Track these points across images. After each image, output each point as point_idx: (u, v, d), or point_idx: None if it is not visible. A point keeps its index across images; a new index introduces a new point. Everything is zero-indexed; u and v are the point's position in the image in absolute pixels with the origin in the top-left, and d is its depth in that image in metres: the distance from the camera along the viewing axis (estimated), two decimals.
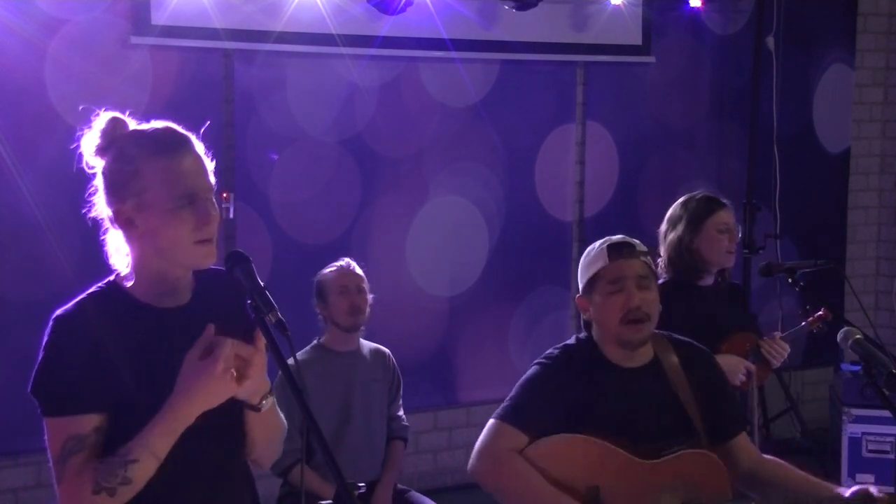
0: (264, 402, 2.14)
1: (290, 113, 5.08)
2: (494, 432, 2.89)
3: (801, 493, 2.86)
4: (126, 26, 4.65)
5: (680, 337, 3.08)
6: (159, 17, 4.66)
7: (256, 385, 2.11)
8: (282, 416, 2.30)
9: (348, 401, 3.99)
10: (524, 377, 2.95)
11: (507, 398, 2.93)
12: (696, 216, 4.05)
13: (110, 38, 4.63)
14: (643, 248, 3.02)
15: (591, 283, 2.96)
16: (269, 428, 2.26)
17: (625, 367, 2.94)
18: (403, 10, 5.03)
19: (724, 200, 4.15)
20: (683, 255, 4.01)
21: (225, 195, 4.91)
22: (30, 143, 4.49)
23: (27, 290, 4.46)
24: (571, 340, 3.03)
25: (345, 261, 4.16)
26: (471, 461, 2.93)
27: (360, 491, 1.95)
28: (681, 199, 4.15)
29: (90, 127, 2.16)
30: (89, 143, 2.16)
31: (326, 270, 4.14)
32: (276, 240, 5.06)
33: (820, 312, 4.39)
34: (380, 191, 5.35)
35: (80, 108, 2.21)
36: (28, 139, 4.49)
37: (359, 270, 4.14)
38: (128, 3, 4.64)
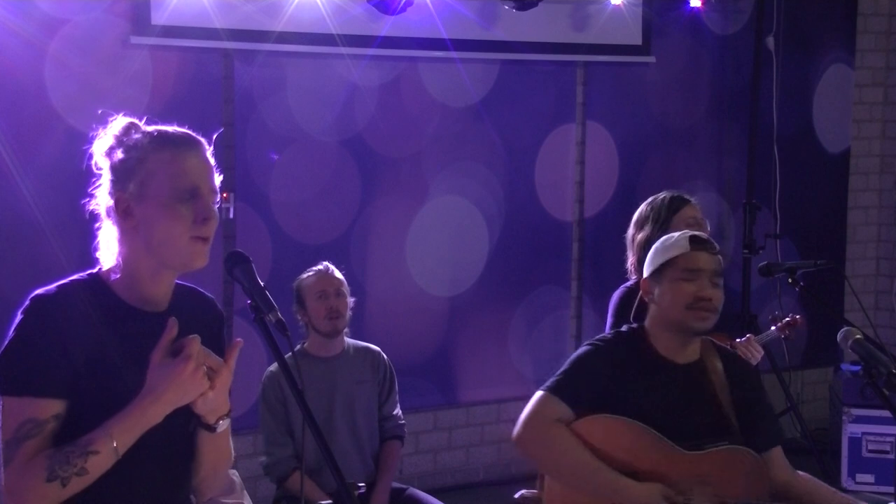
0: (221, 422, 2.13)
1: (290, 113, 5.08)
2: (542, 403, 2.92)
3: None
4: (126, 26, 4.65)
5: (725, 346, 3.14)
6: (159, 17, 4.66)
7: (218, 402, 2.11)
8: (231, 445, 2.28)
9: (330, 406, 3.96)
10: (575, 354, 3.01)
11: (556, 373, 2.97)
12: (663, 215, 4.05)
13: (110, 38, 4.63)
14: (718, 248, 3.08)
15: (664, 267, 2.99)
16: (220, 452, 2.24)
17: (673, 361, 2.99)
18: (403, 10, 5.03)
19: (689, 197, 4.16)
20: None
21: (225, 195, 4.91)
22: (30, 143, 4.49)
23: (27, 290, 4.45)
24: (624, 328, 3.09)
25: (323, 265, 4.11)
26: (516, 430, 2.95)
27: (360, 491, 1.96)
28: (646, 202, 4.16)
29: (105, 129, 2.17)
30: (102, 144, 2.16)
31: (305, 275, 4.09)
32: (276, 240, 5.06)
33: (788, 319, 4.40)
34: (380, 191, 5.35)
35: (99, 111, 2.22)
36: (28, 139, 4.49)
37: (338, 274, 4.09)
38: (128, 3, 4.64)
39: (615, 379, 2.92)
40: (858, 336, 2.77)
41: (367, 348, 4.16)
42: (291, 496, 3.93)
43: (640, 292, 3.09)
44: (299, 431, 3.90)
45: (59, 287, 2.11)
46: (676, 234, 3.07)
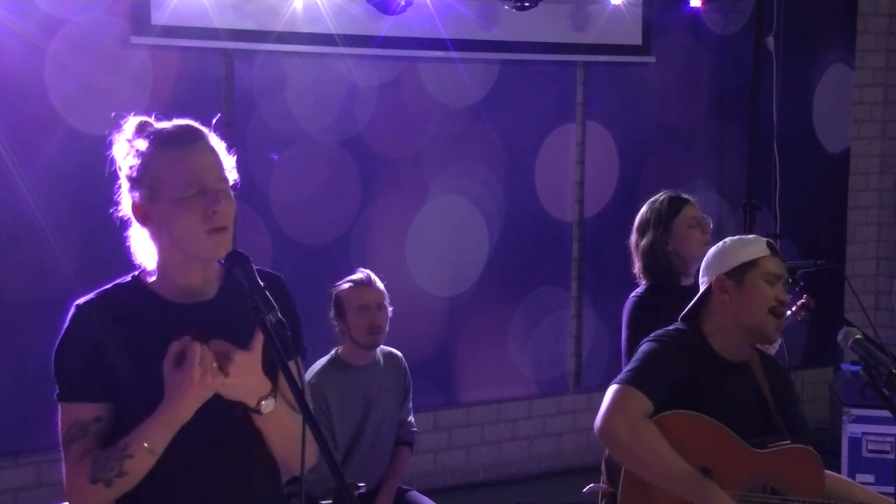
0: (263, 403, 2.13)
1: (290, 113, 5.08)
2: (625, 396, 2.89)
3: None
4: (126, 26, 4.65)
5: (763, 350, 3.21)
6: (159, 17, 4.66)
7: (246, 386, 2.11)
8: (295, 419, 2.24)
9: (365, 414, 3.93)
10: (644, 350, 3.00)
11: (628, 368, 2.96)
12: (664, 217, 4.06)
13: (110, 38, 4.63)
14: None
15: (745, 267, 3.02)
16: (282, 429, 2.21)
17: (728, 360, 3.03)
18: (403, 10, 5.03)
19: (687, 196, 4.17)
20: (659, 258, 4.01)
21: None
22: (30, 143, 4.49)
23: (27, 290, 4.46)
24: (680, 324, 3.10)
25: (364, 273, 4.00)
26: (601, 422, 2.90)
27: (360, 491, 1.95)
28: (646, 204, 4.16)
29: (120, 131, 2.20)
30: (119, 148, 2.20)
31: (345, 285, 3.98)
32: (276, 240, 5.06)
33: (802, 300, 4.40)
34: (380, 191, 5.35)
35: (112, 114, 2.26)
36: (28, 139, 4.49)
37: (380, 285, 3.98)
38: (128, 3, 4.64)
39: (687, 375, 2.94)
40: (858, 336, 2.77)
41: (392, 354, 4.11)
42: (299, 494, 3.91)
43: (712, 290, 3.05)
44: (343, 444, 3.86)
45: (98, 294, 2.18)
46: (750, 236, 3.14)
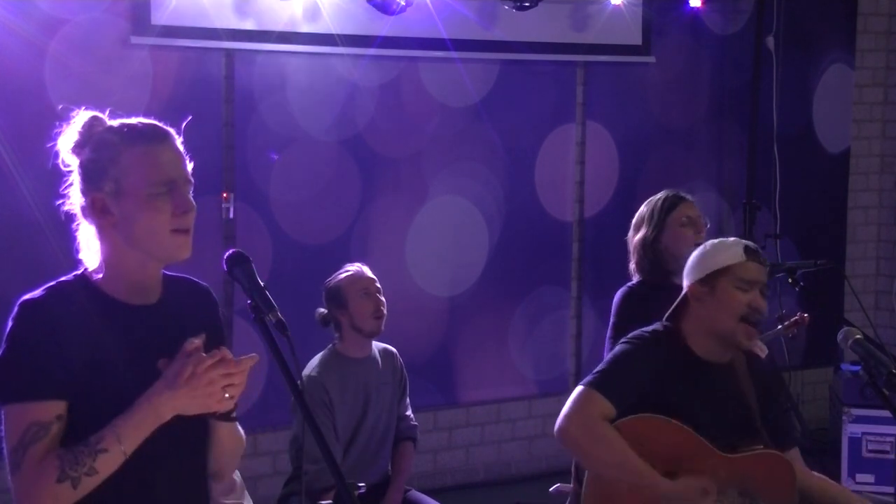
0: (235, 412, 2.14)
1: (290, 113, 5.08)
2: (586, 398, 2.90)
3: None
4: (126, 26, 4.65)
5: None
6: (159, 17, 4.66)
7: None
8: (240, 430, 2.27)
9: (365, 408, 3.94)
10: (614, 352, 3.01)
11: (596, 370, 2.97)
12: (657, 215, 4.05)
13: (110, 38, 4.63)
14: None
15: (717, 274, 2.97)
16: (234, 438, 2.24)
17: (708, 361, 3.00)
18: (403, 10, 5.03)
19: (686, 195, 4.15)
20: (650, 254, 3.99)
21: (225, 195, 4.91)
22: (30, 143, 4.49)
23: (27, 291, 4.45)
24: (659, 326, 3.07)
25: (356, 265, 4.05)
26: (560, 423, 2.93)
27: (360, 491, 1.95)
28: (645, 202, 4.16)
29: (67, 124, 2.15)
30: (67, 140, 2.14)
31: (341, 275, 4.00)
32: (276, 240, 5.06)
33: (796, 318, 4.40)
34: (380, 191, 5.35)
35: (59, 107, 2.20)
36: (28, 139, 4.48)
37: (371, 273, 4.03)
38: (128, 3, 4.64)
39: (655, 378, 2.92)
40: (858, 336, 2.77)
41: (387, 349, 4.13)
42: (299, 493, 3.91)
43: (686, 294, 3.04)
44: (343, 436, 3.87)
45: (46, 290, 2.11)
46: (729, 239, 3.07)
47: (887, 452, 5.53)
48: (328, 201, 5.21)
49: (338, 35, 5.04)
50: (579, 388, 2.93)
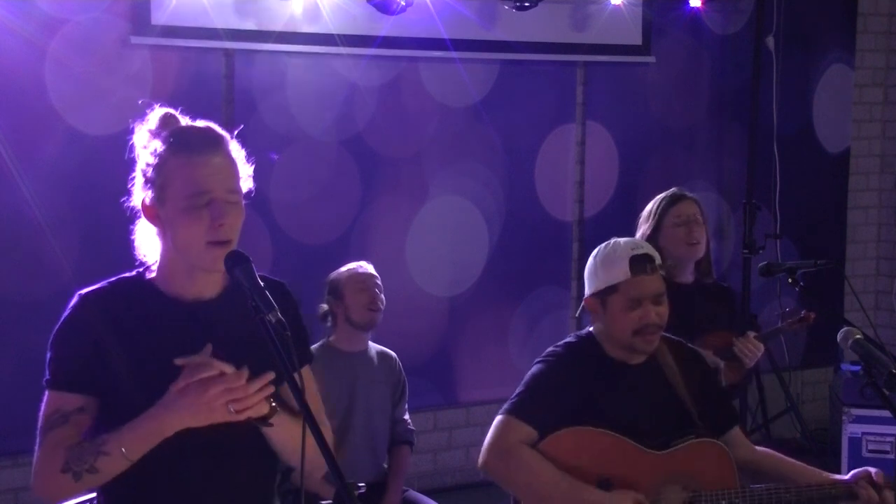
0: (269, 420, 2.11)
1: (290, 113, 5.08)
2: (503, 427, 2.90)
3: (802, 481, 2.93)
4: (126, 26, 4.64)
5: (671, 336, 3.12)
6: (159, 17, 4.66)
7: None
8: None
9: (351, 401, 3.98)
10: (530, 374, 2.98)
11: (514, 394, 2.95)
12: (655, 213, 4.06)
13: (110, 38, 4.62)
14: (660, 259, 3.03)
15: (608, 291, 2.96)
16: (290, 439, 2.16)
17: (626, 363, 2.99)
18: (403, 10, 5.03)
19: (688, 193, 4.14)
20: None
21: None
22: (30, 143, 4.49)
23: (27, 290, 4.45)
24: (572, 338, 3.07)
25: (360, 263, 4.17)
26: (481, 456, 2.93)
27: (360, 491, 1.95)
28: (653, 199, 4.15)
29: (144, 121, 2.19)
30: (139, 139, 2.18)
31: (343, 269, 4.13)
32: (276, 240, 5.06)
33: (801, 316, 4.39)
34: (380, 191, 5.35)
35: (140, 101, 2.25)
36: (28, 139, 4.48)
37: (374, 271, 4.14)
38: (128, 3, 4.64)
39: (575, 391, 2.91)
40: (858, 336, 2.77)
41: (385, 352, 4.19)
42: (297, 490, 3.91)
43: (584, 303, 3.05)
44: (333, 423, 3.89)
45: (103, 285, 2.17)
46: (620, 247, 3.00)
47: (887, 452, 5.53)
48: (328, 201, 5.21)
49: (338, 35, 5.04)
50: (498, 417, 2.92)
